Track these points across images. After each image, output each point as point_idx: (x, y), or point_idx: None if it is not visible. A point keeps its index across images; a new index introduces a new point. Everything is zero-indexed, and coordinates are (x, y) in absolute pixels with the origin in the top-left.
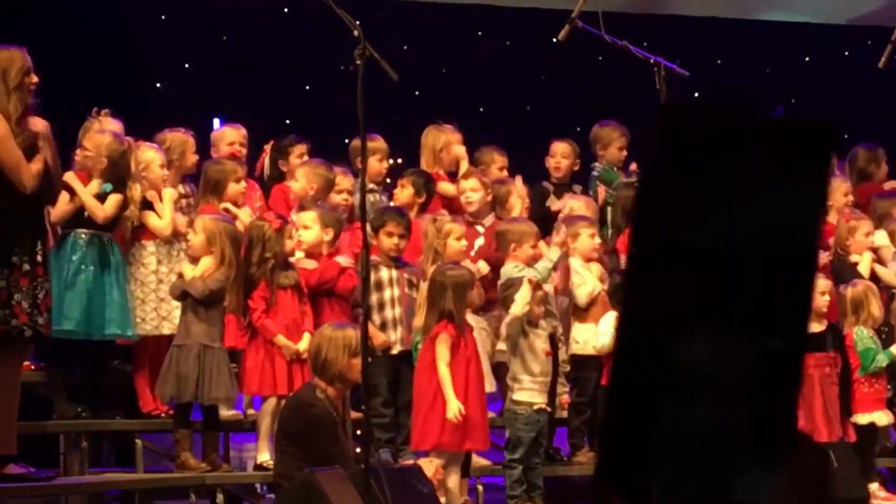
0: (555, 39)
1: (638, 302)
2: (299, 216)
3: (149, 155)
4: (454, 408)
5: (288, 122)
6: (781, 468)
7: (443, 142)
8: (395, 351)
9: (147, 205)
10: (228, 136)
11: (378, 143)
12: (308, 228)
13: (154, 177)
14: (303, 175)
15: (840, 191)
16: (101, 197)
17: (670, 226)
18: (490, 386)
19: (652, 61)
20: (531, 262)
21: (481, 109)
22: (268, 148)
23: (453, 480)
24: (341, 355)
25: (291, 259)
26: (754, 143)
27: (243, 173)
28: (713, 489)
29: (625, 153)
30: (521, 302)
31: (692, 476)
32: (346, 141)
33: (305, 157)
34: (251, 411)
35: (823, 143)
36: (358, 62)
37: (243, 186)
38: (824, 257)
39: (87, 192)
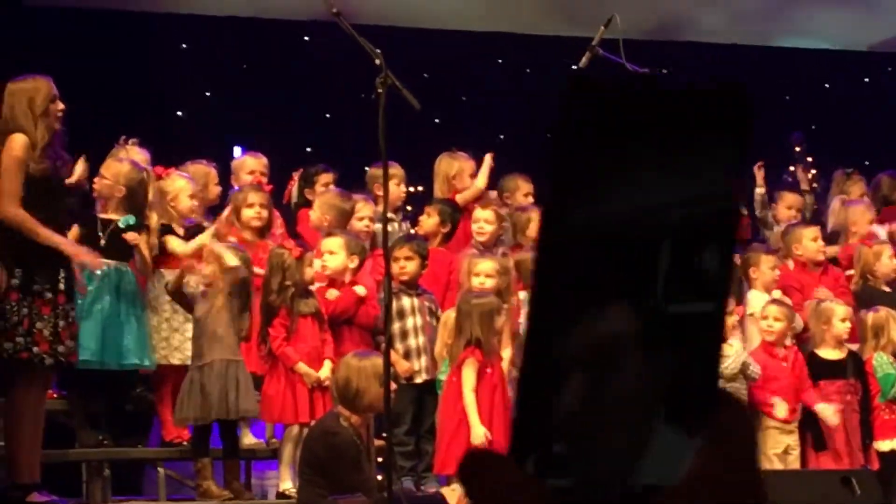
0: (574, 67)
1: (548, 282)
2: (325, 241)
3: (179, 184)
4: (479, 433)
5: (309, 150)
6: (702, 436)
7: (456, 169)
8: (419, 380)
9: (167, 230)
10: (249, 165)
11: (395, 169)
12: (333, 254)
13: (183, 207)
14: (318, 206)
15: (865, 218)
16: (124, 230)
17: (577, 201)
18: None
19: None
20: None
21: (501, 137)
22: (296, 176)
23: None
24: (373, 385)
25: (312, 287)
26: (662, 111)
27: (263, 200)
28: (623, 471)
29: None
30: None
31: (605, 459)
32: (366, 168)
33: (331, 187)
34: (273, 439)
35: (736, 107)
36: (380, 90)
37: (256, 212)
38: (842, 277)
39: (145, 249)
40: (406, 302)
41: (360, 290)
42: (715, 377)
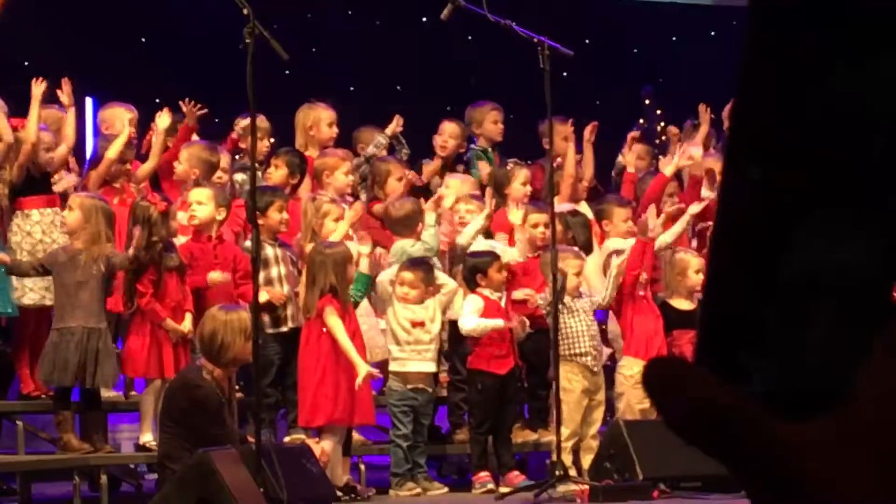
0: (433, 19)
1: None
2: (193, 192)
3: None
4: (364, 371)
5: (157, 100)
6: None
7: (312, 119)
8: (285, 328)
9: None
10: (125, 115)
11: (260, 121)
12: (202, 205)
13: (42, 160)
14: (186, 159)
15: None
16: None
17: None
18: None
19: (535, 41)
20: (418, 237)
21: (352, 89)
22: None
23: (337, 458)
24: (238, 339)
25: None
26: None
27: (132, 156)
28: (809, 373)
29: (500, 125)
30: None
31: (792, 361)
32: (216, 120)
33: (194, 137)
34: (132, 392)
35: None
36: (248, 40)
37: (128, 168)
38: None
39: None
40: (269, 251)
41: (218, 275)
42: None
